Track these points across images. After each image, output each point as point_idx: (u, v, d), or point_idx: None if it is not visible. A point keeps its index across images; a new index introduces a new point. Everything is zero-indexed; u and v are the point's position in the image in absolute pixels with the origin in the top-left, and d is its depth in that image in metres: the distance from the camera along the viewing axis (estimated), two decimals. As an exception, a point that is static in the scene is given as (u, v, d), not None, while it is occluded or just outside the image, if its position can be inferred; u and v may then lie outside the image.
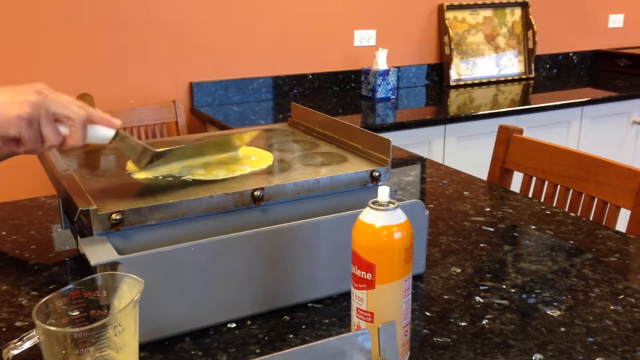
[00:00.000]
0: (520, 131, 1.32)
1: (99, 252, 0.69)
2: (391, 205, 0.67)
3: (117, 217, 0.73)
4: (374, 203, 0.67)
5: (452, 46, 2.81)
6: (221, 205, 0.79)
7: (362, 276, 0.67)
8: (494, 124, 2.41)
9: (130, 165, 0.90)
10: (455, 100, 2.63)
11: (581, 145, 2.66)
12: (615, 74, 3.17)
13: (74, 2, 2.13)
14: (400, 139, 2.19)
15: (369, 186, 0.89)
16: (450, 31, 2.79)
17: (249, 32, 2.45)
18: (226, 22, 2.39)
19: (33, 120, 0.76)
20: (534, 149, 1.27)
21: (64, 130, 0.79)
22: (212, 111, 2.36)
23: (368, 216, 0.67)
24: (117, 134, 0.83)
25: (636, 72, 3.13)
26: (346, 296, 0.82)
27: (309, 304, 0.81)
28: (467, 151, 2.38)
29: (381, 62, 2.53)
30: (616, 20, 3.36)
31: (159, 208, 0.76)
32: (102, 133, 0.81)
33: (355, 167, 0.89)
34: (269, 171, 0.88)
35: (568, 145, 2.61)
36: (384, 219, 0.66)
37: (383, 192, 0.67)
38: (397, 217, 0.66)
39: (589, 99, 2.58)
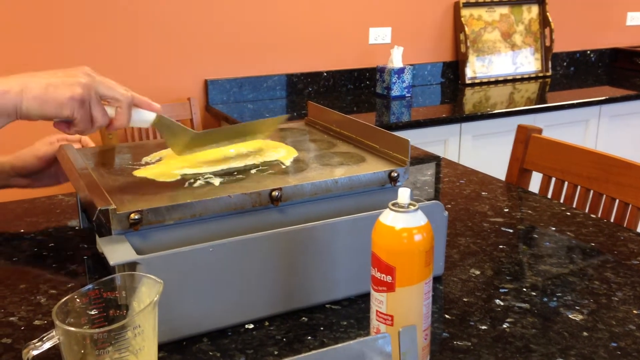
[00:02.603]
0: (539, 131, 1.31)
1: (117, 252, 0.69)
2: (412, 207, 0.66)
3: (136, 217, 0.73)
4: (394, 205, 0.66)
5: (468, 44, 2.79)
6: (239, 205, 0.79)
7: (382, 279, 0.66)
8: (510, 122, 2.40)
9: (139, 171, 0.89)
10: (470, 98, 2.61)
11: (599, 145, 2.63)
12: (633, 72, 3.14)
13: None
14: (415, 138, 2.17)
15: (387, 187, 0.88)
16: (466, 29, 2.77)
17: (264, 30, 2.45)
18: (241, 19, 2.39)
19: (84, 101, 0.80)
20: (553, 148, 1.25)
21: (110, 111, 0.83)
22: (227, 109, 2.36)
23: (388, 218, 0.66)
24: (157, 118, 0.86)
25: (655, 70, 3.09)
26: (364, 297, 0.82)
27: (327, 305, 0.81)
28: (483, 150, 2.37)
29: (396, 60, 2.52)
30: (634, 18, 3.32)
31: (177, 208, 0.76)
32: (144, 116, 0.86)
33: (373, 168, 0.88)
34: (286, 171, 0.88)
35: (586, 144, 2.58)
36: (404, 221, 0.65)
37: (403, 194, 0.66)
38: (418, 219, 0.66)
39: (607, 97, 2.55)
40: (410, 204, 0.66)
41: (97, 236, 0.86)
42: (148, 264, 0.69)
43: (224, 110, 2.34)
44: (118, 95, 0.82)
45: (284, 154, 0.94)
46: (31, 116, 0.80)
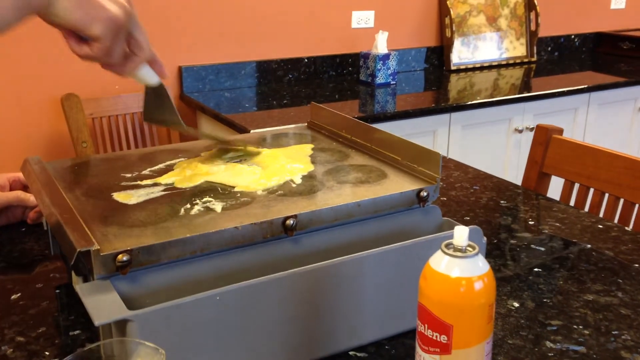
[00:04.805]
0: (561, 131, 1.20)
1: (103, 308, 0.56)
2: (471, 251, 0.54)
3: (124, 259, 0.59)
4: (447, 247, 0.54)
5: (454, 28, 2.67)
6: (247, 238, 0.66)
7: (434, 338, 0.54)
8: (499, 112, 2.30)
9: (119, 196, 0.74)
10: (456, 85, 2.50)
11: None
12: (618, 57, 3.07)
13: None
14: (403, 129, 2.06)
15: (414, 207, 0.76)
16: (451, 12, 2.65)
17: (242, 13, 2.28)
18: (217, 2, 2.22)
19: (119, 30, 0.69)
20: (577, 152, 1.14)
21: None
22: (203, 97, 2.20)
23: (441, 263, 0.54)
24: (159, 84, 0.80)
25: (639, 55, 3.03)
26: (392, 341, 0.70)
27: (351, 353, 0.69)
28: (472, 141, 2.27)
29: (381, 45, 2.39)
30: (618, 2, 3.25)
31: (174, 244, 0.62)
32: (148, 75, 0.78)
33: (398, 186, 0.76)
34: (297, 191, 0.75)
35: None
36: (462, 269, 0.53)
37: (460, 234, 0.54)
38: (478, 265, 0.54)
39: (596, 84, 2.47)
40: (469, 246, 0.54)
41: (73, 273, 0.72)
42: (142, 321, 0.55)
43: (199, 99, 2.18)
44: (143, 45, 0.74)
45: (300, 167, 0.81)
46: (54, 18, 0.65)
